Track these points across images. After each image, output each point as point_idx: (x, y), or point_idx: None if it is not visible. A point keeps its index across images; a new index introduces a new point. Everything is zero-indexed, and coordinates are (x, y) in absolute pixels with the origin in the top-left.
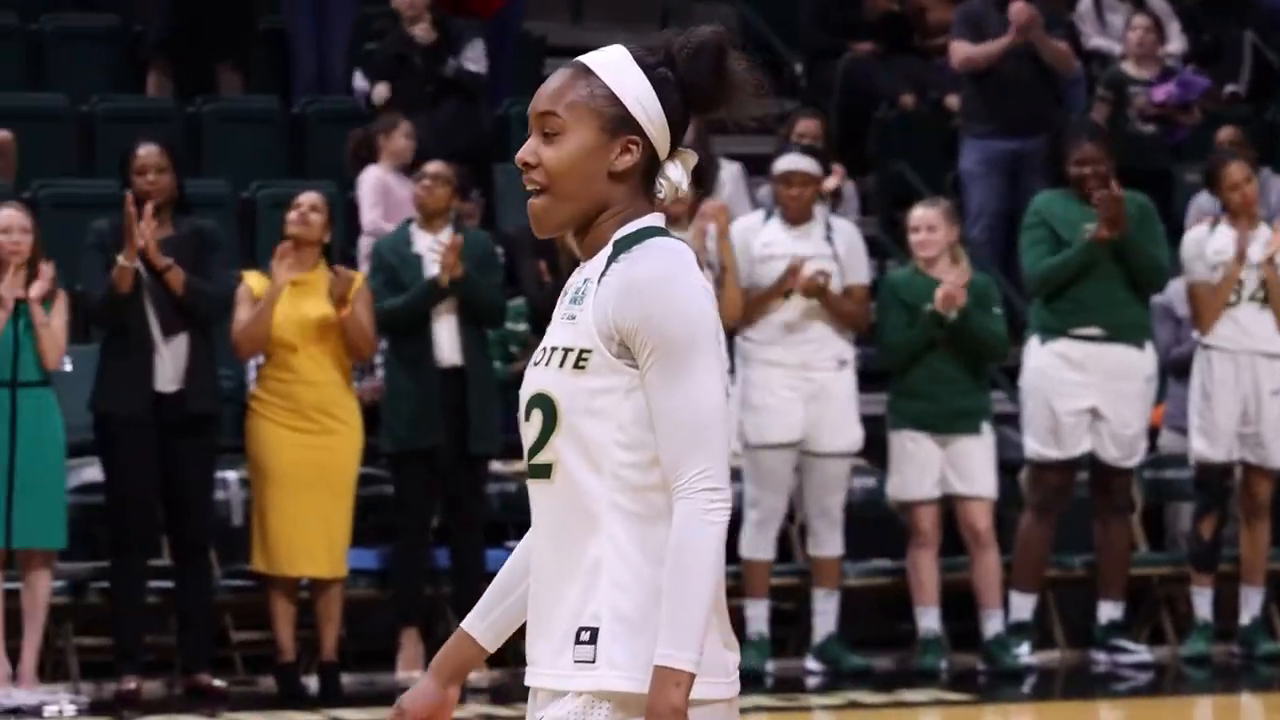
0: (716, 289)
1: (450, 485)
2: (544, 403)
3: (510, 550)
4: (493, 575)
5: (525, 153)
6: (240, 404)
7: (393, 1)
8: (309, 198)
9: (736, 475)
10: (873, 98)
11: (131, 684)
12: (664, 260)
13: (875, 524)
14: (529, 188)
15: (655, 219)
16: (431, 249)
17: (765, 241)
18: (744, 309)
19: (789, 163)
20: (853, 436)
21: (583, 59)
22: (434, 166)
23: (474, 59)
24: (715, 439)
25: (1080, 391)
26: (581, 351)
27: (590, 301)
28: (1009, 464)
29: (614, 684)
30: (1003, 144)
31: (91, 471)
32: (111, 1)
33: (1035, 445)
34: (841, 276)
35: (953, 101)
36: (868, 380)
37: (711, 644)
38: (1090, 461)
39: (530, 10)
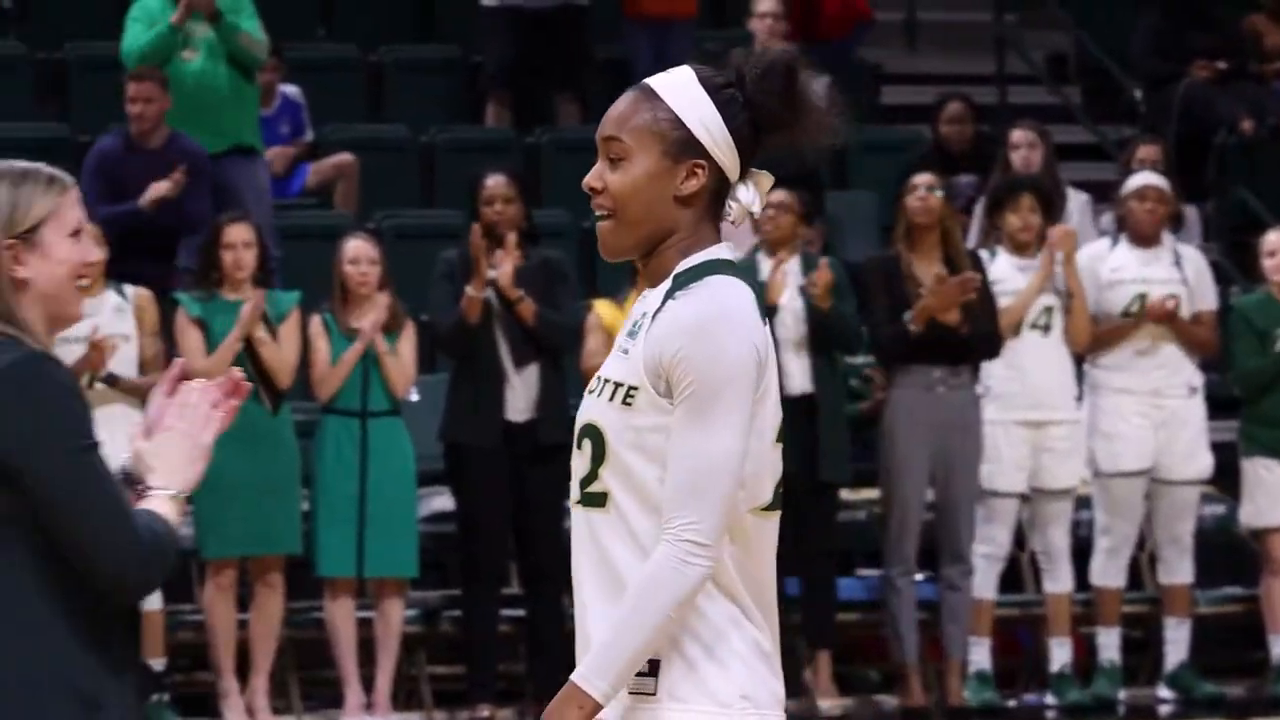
0: (1065, 316)
1: (801, 513)
2: (594, 434)
3: (860, 578)
4: (843, 604)
5: (591, 178)
6: None
7: (749, 25)
8: None
9: (1086, 503)
10: (1211, 123)
11: (485, 712)
12: (715, 301)
13: (1226, 551)
14: (596, 213)
15: (720, 251)
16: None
17: (1113, 266)
18: (1094, 337)
19: (1143, 179)
20: (1203, 464)
21: (648, 81)
22: (777, 195)
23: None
24: (716, 492)
25: None
26: (630, 388)
27: (643, 337)
28: None
29: (675, 717)
30: None
31: (442, 500)
32: (450, 32)
33: None
34: (1191, 302)
35: None
36: (1215, 407)
37: (765, 678)
38: None
39: (866, 37)
